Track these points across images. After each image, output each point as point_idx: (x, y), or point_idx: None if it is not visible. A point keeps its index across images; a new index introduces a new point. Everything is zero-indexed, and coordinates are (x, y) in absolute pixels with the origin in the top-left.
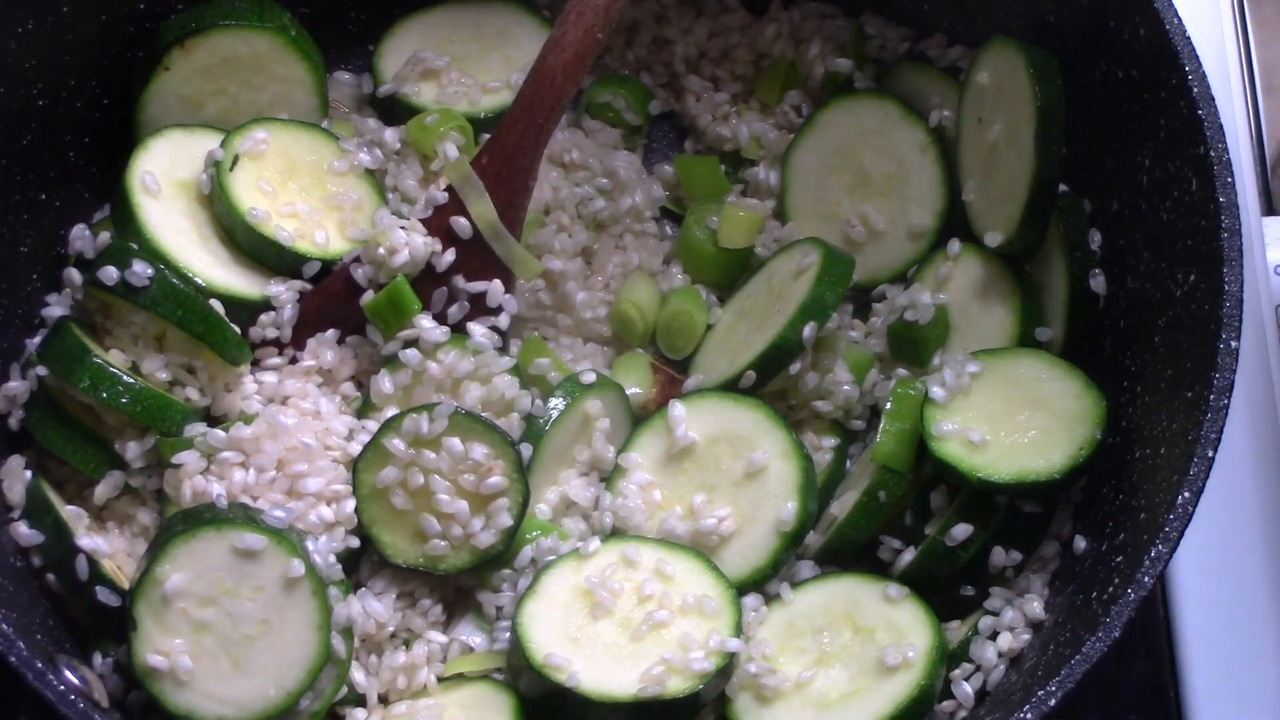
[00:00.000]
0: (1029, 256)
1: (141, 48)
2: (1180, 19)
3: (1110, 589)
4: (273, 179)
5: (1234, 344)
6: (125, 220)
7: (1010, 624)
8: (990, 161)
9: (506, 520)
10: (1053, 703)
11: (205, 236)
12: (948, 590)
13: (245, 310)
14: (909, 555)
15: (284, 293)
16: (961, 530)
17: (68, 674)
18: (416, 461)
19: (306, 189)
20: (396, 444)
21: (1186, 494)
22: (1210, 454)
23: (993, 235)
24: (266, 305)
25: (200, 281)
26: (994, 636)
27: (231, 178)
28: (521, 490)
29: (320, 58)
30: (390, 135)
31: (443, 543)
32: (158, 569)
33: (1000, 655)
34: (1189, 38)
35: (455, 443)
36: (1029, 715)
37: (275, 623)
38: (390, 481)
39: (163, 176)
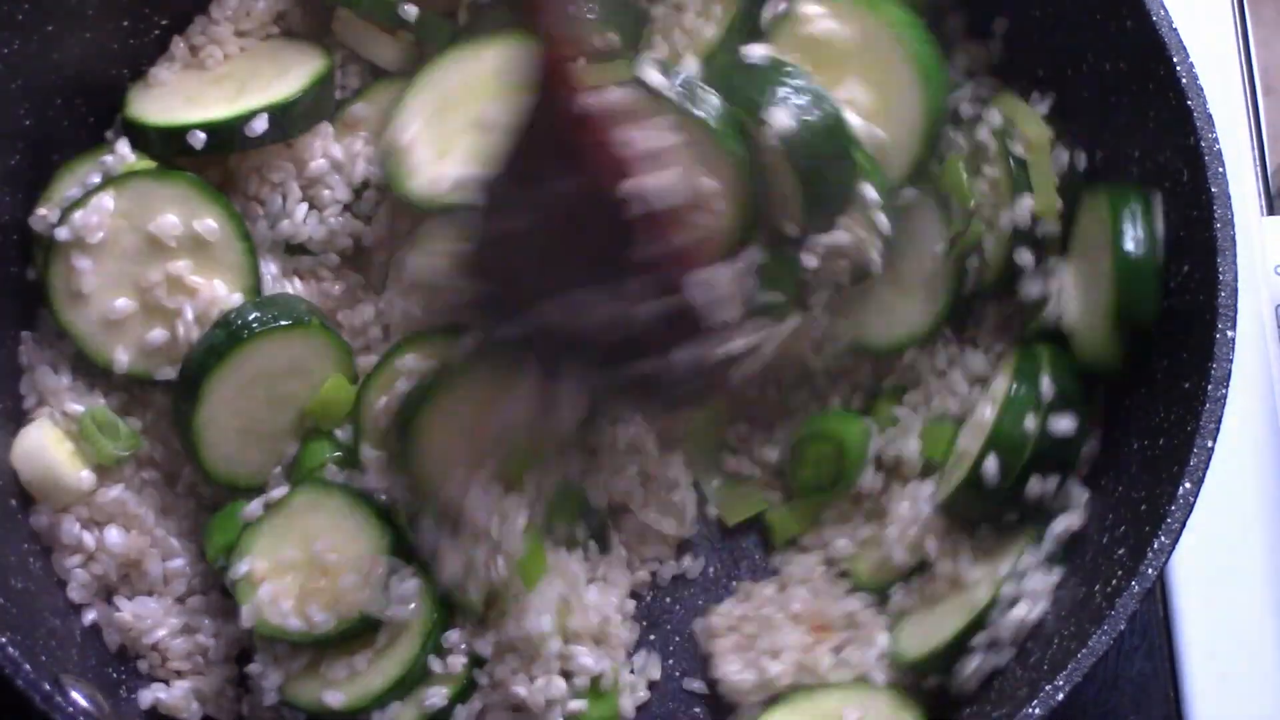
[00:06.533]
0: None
1: (127, 65)
2: (1166, 10)
3: (1114, 582)
4: None
5: (1230, 334)
6: None
7: (1031, 591)
8: None
9: None
10: (1060, 697)
11: None
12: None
13: None
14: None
15: None
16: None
17: (75, 695)
18: None
19: None
20: None
21: (1187, 484)
22: (1210, 444)
23: None
24: None
25: None
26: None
27: None
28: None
29: None
30: None
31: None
32: None
33: (1013, 634)
34: (1175, 29)
35: None
36: (1037, 710)
37: None
38: None
39: None
